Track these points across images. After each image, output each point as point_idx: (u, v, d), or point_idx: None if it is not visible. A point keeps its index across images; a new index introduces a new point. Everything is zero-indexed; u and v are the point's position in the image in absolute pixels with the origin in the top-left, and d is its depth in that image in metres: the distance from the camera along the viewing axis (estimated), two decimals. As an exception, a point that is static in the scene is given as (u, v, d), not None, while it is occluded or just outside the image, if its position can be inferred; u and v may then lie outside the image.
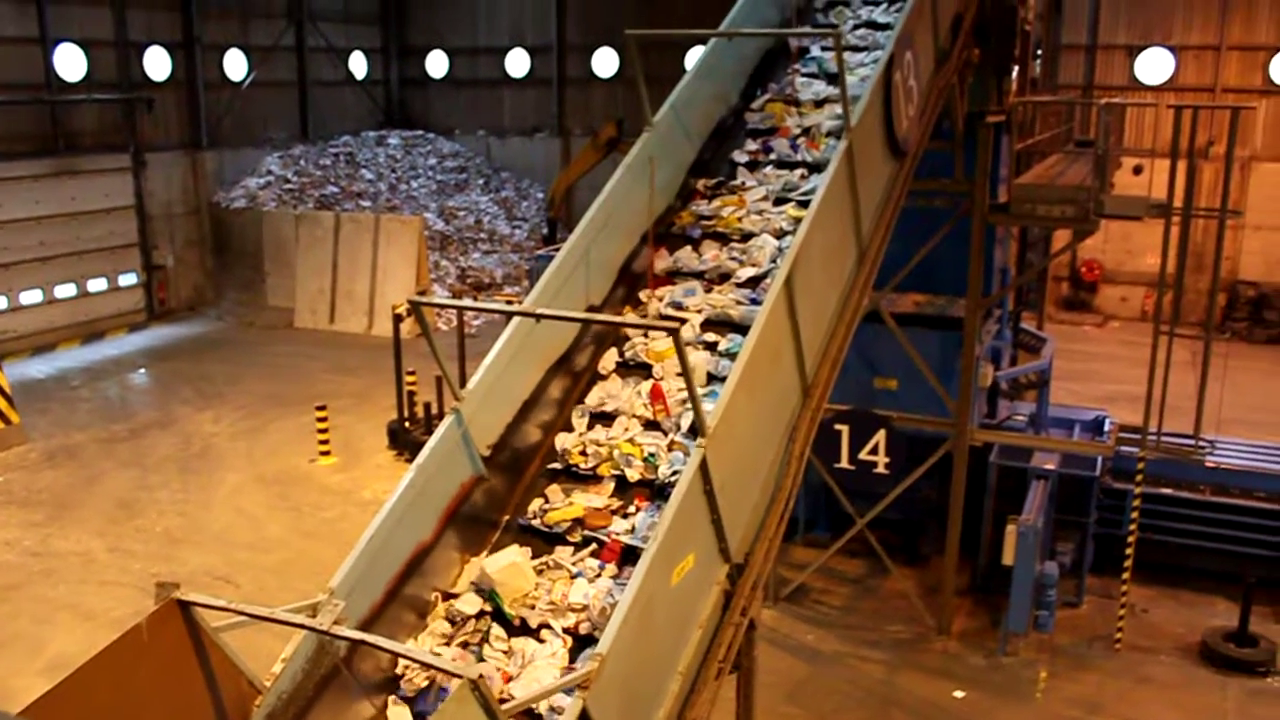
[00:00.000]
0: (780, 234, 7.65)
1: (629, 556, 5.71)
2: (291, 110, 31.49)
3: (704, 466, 5.27)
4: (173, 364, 23.51)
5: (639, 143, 7.71)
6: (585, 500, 6.15)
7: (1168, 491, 13.46)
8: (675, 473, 6.05)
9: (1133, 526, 12.03)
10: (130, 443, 18.59)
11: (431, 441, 5.81)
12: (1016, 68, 12.79)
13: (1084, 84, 26.59)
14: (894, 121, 8.07)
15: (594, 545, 5.90)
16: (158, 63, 27.24)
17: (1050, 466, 12.70)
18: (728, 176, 8.45)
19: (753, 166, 8.48)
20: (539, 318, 6.28)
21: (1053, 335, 16.37)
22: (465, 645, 5.48)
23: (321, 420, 17.71)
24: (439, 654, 5.39)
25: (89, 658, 4.28)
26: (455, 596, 5.72)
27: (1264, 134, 25.44)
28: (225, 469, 17.52)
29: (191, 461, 17.81)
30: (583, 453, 6.46)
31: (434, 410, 17.55)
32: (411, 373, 18.07)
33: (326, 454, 17.78)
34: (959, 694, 11.46)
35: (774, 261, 7.38)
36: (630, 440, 6.42)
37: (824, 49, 9.33)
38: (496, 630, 5.51)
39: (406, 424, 17.93)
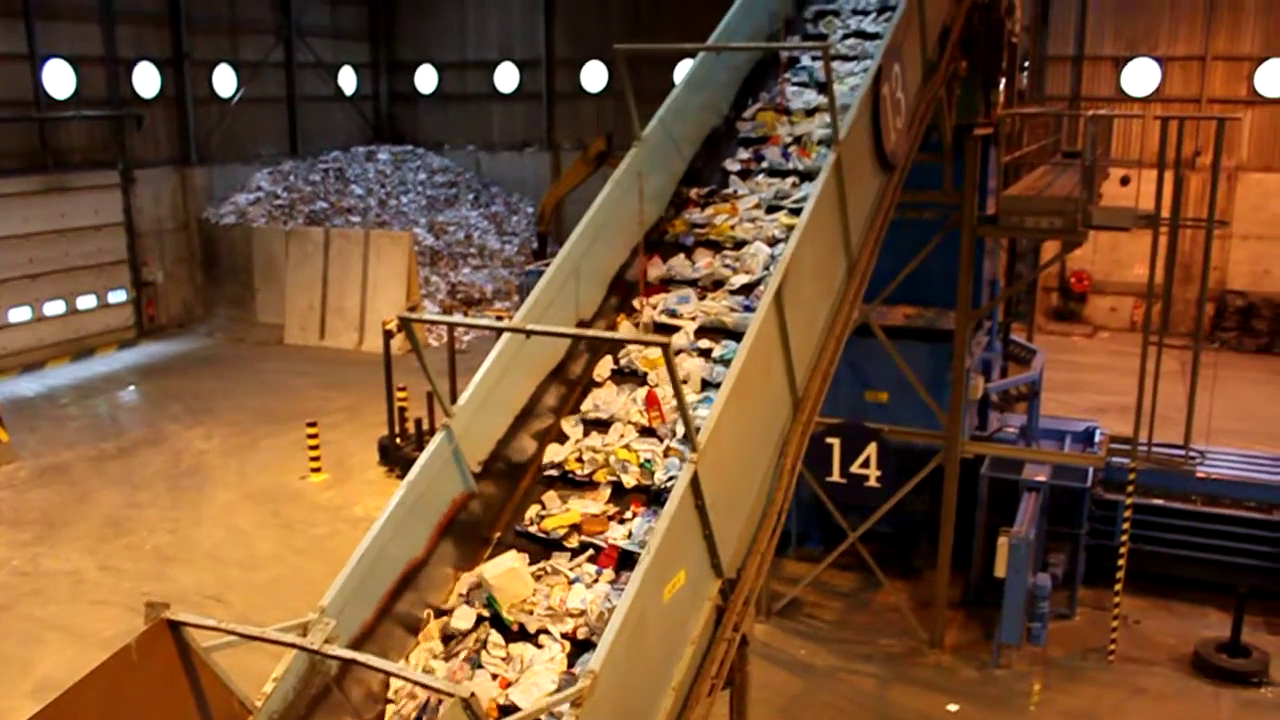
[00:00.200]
0: (773, 241, 7.70)
1: (626, 561, 5.72)
2: (281, 126, 31.50)
3: (695, 482, 5.27)
4: (163, 381, 23.44)
5: (627, 158, 7.73)
6: (582, 506, 6.18)
7: (1159, 502, 13.47)
8: (671, 478, 6.08)
9: (1124, 537, 12.03)
10: (120, 460, 18.52)
11: (422, 458, 5.80)
12: (1004, 80, 12.86)
13: (1071, 95, 26.73)
14: (882, 134, 8.10)
15: (591, 551, 5.92)
16: (147, 79, 27.24)
17: (1041, 478, 12.71)
18: (720, 185, 8.50)
19: (745, 175, 8.54)
20: (529, 333, 6.28)
21: (1042, 346, 16.42)
22: (460, 655, 5.47)
23: (312, 437, 17.66)
24: (433, 668, 5.37)
25: (78, 679, 4.26)
26: (448, 613, 5.71)
27: (1250, 144, 25.58)
28: (216, 486, 17.46)
29: (182, 479, 17.74)
30: (579, 459, 6.50)
31: (425, 426, 17.51)
32: (402, 388, 18.04)
33: (317, 470, 17.72)
34: (952, 707, 11.43)
35: (767, 268, 7.43)
36: (626, 446, 6.45)
37: (814, 58, 9.38)
38: (495, 637, 5.52)
39: (397, 440, 17.89)
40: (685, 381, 6.70)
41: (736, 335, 6.84)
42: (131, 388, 23.16)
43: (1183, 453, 12.18)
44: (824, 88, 8.93)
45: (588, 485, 6.37)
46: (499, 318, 22.34)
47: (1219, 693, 11.59)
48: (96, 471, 17.99)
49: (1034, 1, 24.74)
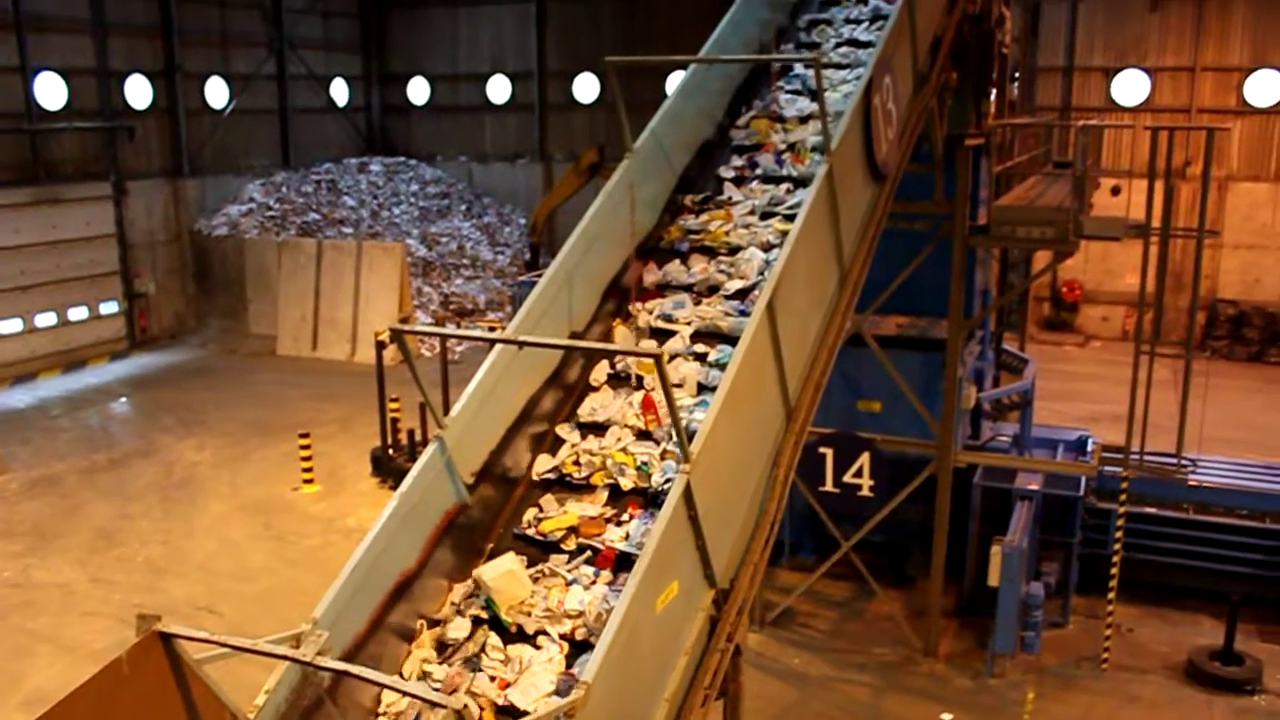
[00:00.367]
0: (767, 247, 7.74)
1: (623, 563, 5.74)
2: (273, 138, 31.51)
3: (688, 492, 5.27)
4: (154, 392, 23.38)
5: (619, 169, 7.76)
6: (579, 509, 6.20)
7: (1151, 510, 13.49)
8: (668, 480, 6.10)
9: (1117, 546, 12.04)
10: (112, 472, 18.46)
11: (415, 469, 5.80)
12: (995, 90, 12.91)
13: (1061, 106, 26.85)
14: (874, 145, 8.14)
15: (588, 553, 5.94)
16: (139, 91, 27.22)
17: (1034, 487, 12.73)
18: (715, 192, 8.56)
19: (739, 182, 8.60)
20: (522, 345, 6.28)
21: (1035, 356, 16.43)
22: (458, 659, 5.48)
23: (304, 448, 17.64)
24: (429, 673, 5.37)
25: (69, 692, 4.23)
26: (441, 623, 5.70)
27: (1239, 154, 25.73)
28: (208, 498, 17.41)
29: (174, 490, 17.69)
30: (576, 462, 6.53)
31: (418, 437, 17.49)
32: (395, 400, 18.02)
33: (310, 482, 17.68)
34: (946, 716, 11.43)
35: (761, 274, 7.47)
36: (623, 450, 6.48)
37: (807, 67, 9.43)
38: (493, 640, 5.52)
39: (390, 451, 17.86)
40: (681, 385, 6.74)
41: (732, 340, 6.89)
42: (123, 399, 23.11)
43: (1175, 461, 12.19)
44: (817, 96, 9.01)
45: (585, 488, 6.40)
46: (491, 328, 22.35)
47: (1212, 700, 11.60)
48: (88, 483, 17.93)
49: (1024, 13, 24.80)
